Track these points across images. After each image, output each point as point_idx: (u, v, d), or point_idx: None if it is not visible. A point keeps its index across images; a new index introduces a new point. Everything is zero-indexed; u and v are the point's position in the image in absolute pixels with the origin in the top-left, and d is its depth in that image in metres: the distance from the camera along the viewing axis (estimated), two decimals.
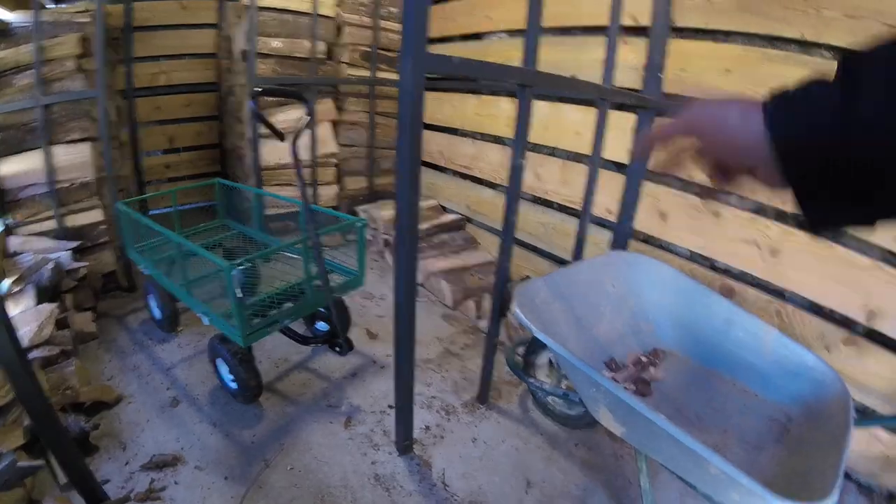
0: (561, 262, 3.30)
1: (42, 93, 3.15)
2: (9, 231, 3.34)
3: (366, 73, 4.18)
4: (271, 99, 3.79)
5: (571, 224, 2.90)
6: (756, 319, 2.03)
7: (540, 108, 3.17)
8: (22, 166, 3.26)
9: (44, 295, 2.98)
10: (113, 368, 2.79)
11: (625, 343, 2.16)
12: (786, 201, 2.34)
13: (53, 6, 4.46)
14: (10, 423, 2.04)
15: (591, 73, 2.49)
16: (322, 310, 2.79)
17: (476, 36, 3.72)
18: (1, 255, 3.16)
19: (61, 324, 2.92)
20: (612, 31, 2.30)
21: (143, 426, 2.37)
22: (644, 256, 2.31)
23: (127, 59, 4.74)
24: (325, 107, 4.10)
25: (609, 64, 2.32)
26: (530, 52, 1.88)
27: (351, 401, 2.56)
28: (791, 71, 2.25)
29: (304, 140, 3.96)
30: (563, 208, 3.30)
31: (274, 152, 3.89)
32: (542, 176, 3.37)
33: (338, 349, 2.60)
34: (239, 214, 3.42)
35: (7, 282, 3.00)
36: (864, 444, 2.10)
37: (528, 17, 1.88)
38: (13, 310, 2.79)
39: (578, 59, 2.95)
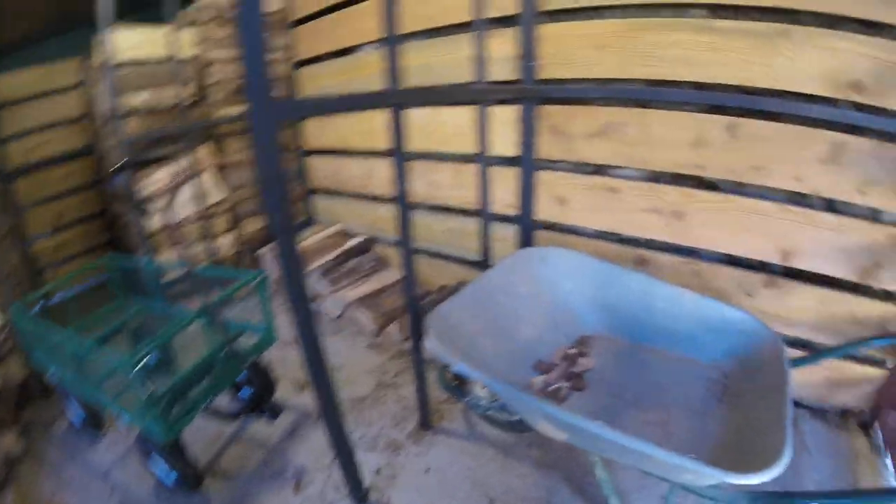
0: (472, 265, 3.24)
1: None
2: None
3: (241, 109, 3.89)
4: (148, 158, 3.58)
5: (475, 226, 2.85)
6: (671, 286, 2.04)
7: (420, 115, 3.09)
8: None
9: None
10: (51, 487, 2.57)
11: (550, 340, 2.12)
12: (680, 166, 2.40)
13: None
14: None
15: (466, 70, 2.44)
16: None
17: (347, 51, 3.59)
18: None
19: None
20: (479, 26, 2.25)
21: None
22: (550, 249, 2.28)
23: None
24: (205, 153, 3.85)
25: (480, 60, 2.27)
26: (393, 69, 1.79)
27: (295, 462, 2.42)
28: (667, 37, 2.28)
29: (188, 193, 3.74)
30: (463, 212, 3.24)
31: (156, 216, 3.65)
32: (437, 182, 3.30)
33: (266, 416, 2.49)
34: (139, 287, 3.22)
35: None
36: (806, 373, 2.14)
37: (387, 29, 1.80)
38: None
39: (452, 59, 2.89)
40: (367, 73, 3.44)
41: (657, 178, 2.50)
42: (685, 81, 2.30)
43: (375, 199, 3.83)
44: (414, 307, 2.13)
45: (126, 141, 3.33)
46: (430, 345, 1.64)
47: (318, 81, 3.89)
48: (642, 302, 2.09)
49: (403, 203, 1.94)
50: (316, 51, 3.84)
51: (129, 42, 3.44)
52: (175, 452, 2.20)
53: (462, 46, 2.75)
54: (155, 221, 3.65)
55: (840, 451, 2.28)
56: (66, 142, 4.70)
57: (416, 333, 2.19)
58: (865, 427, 2.37)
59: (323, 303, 3.53)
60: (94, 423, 2.82)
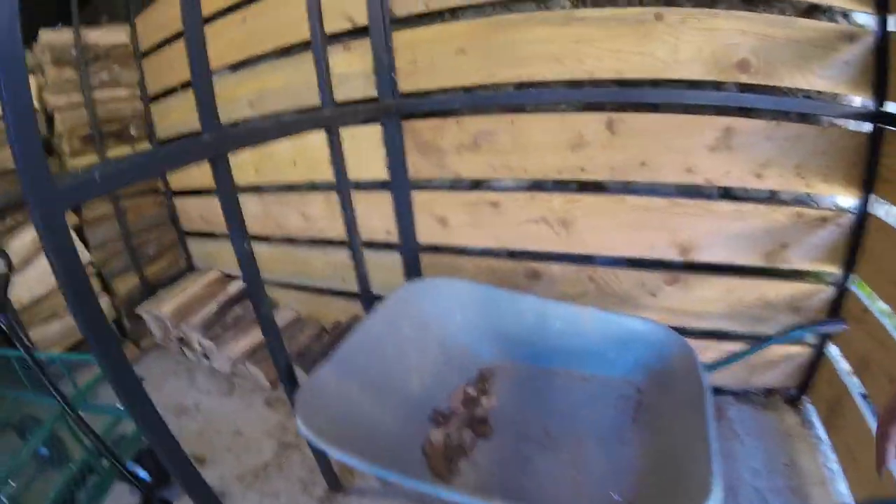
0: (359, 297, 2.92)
1: None
2: None
3: (93, 158, 3.50)
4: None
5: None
6: (567, 305, 1.91)
7: (282, 144, 2.79)
8: None
9: None
10: None
11: (445, 382, 1.92)
12: (561, 171, 2.23)
13: None
14: None
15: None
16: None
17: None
18: None
19: None
20: (318, 43, 2.00)
21: None
22: (430, 280, 2.10)
23: None
24: None
25: (322, 79, 2.02)
26: (206, 109, 1.49)
27: None
28: (530, 33, 2.10)
29: (41, 268, 3.28)
30: (343, 244, 2.89)
31: (23, 287, 3.21)
32: (310, 215, 2.99)
33: None
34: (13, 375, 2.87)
35: None
36: None
37: (192, 65, 1.48)
38: None
39: (306, 79, 2.50)
40: (220, 101, 3.06)
41: (539, 186, 2.34)
42: (556, 80, 2.13)
43: (251, 237, 3.44)
44: (282, 364, 1.83)
45: None
46: (301, 431, 1.39)
47: (171, 117, 3.55)
48: (539, 324, 1.95)
49: (252, 277, 1.68)
50: (165, 83, 3.51)
51: None
52: None
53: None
54: (20, 296, 3.23)
55: (771, 432, 2.22)
56: None
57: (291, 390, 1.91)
58: (793, 402, 2.33)
59: (212, 360, 3.22)
60: None
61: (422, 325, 1.98)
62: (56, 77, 3.35)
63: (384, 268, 2.63)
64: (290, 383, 1.81)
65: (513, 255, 2.50)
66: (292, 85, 2.70)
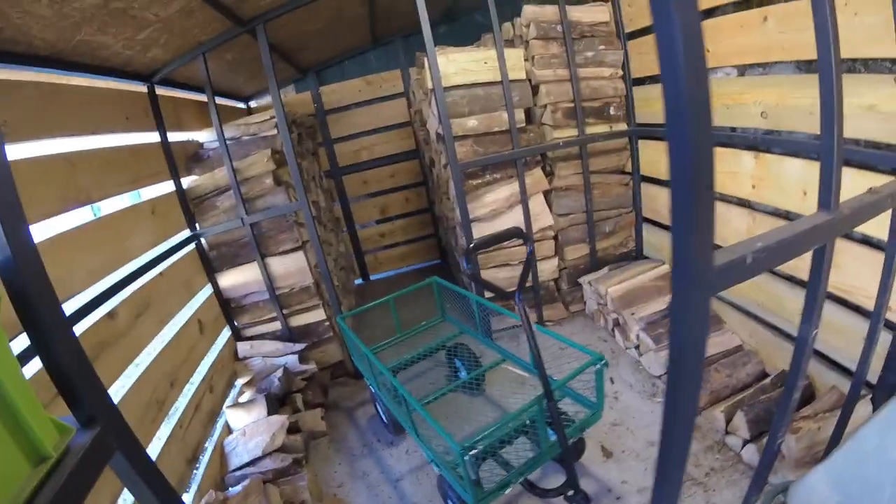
0: (830, 363, 2.41)
1: (246, 211, 3.29)
2: (237, 335, 3.54)
3: (573, 132, 3.63)
4: (478, 181, 3.57)
5: (848, 321, 2.20)
6: None
7: (793, 167, 2.39)
8: (241, 278, 3.46)
9: (274, 403, 3.09)
10: (343, 474, 2.81)
11: None
12: None
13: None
14: None
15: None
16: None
17: None
18: (231, 358, 3.40)
19: (292, 428, 3.02)
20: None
21: None
22: None
23: (326, 142, 5.22)
24: (534, 178, 3.67)
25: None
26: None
27: None
28: None
29: (516, 216, 3.64)
30: (842, 301, 2.29)
31: (486, 231, 3.54)
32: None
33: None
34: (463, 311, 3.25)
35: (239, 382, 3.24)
36: None
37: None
38: (246, 419, 2.94)
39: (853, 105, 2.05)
40: (718, 104, 2.78)
41: None
42: None
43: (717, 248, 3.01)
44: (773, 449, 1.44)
45: (458, 166, 3.33)
46: None
47: (654, 106, 3.40)
48: None
49: (805, 338, 1.27)
50: (649, 70, 3.37)
51: (455, 66, 3.41)
52: None
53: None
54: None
55: None
56: (391, 146, 5.41)
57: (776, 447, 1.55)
58: None
59: (642, 356, 3.16)
60: (396, 429, 2.99)
61: None
62: (542, 51, 3.54)
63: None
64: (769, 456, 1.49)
65: None
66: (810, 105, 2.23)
